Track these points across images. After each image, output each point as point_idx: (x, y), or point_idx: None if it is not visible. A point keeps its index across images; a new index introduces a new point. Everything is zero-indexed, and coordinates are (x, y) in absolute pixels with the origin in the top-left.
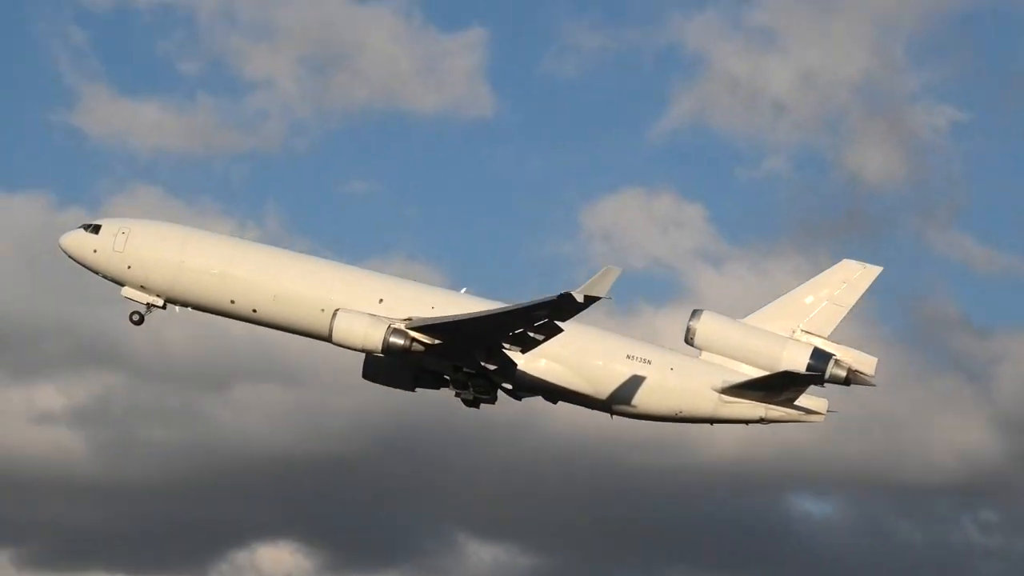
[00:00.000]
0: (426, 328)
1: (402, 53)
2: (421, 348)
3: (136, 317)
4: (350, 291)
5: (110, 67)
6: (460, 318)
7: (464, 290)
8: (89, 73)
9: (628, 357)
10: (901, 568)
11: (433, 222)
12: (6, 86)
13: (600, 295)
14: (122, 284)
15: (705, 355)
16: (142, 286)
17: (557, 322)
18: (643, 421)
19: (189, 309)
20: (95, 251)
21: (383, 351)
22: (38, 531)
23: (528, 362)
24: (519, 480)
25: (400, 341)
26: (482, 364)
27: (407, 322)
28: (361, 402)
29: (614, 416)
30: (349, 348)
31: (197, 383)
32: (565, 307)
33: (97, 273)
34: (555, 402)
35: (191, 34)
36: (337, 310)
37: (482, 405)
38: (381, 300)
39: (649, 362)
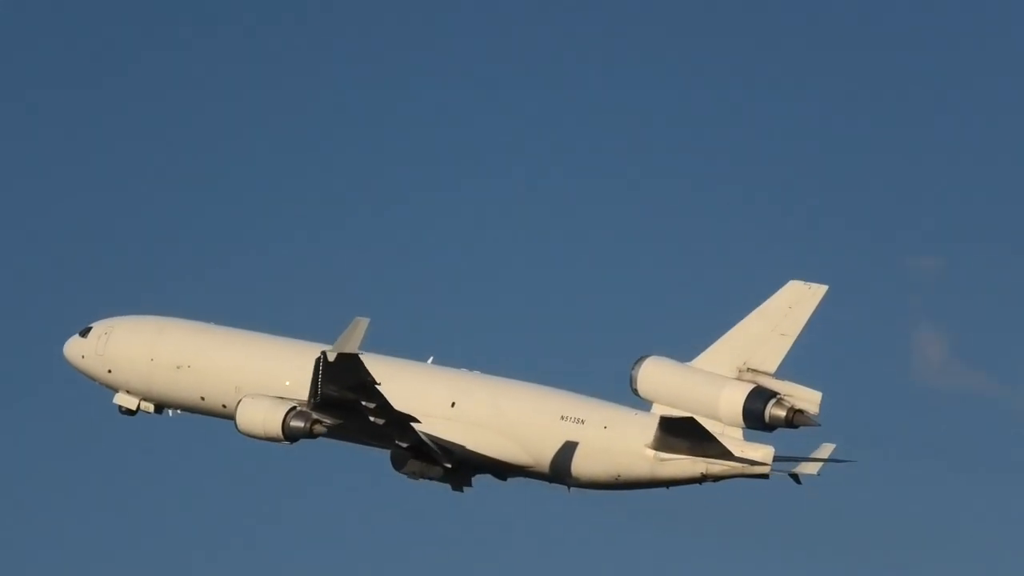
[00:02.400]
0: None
1: None
2: (323, 429)
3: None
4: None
5: None
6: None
7: (431, 359)
8: None
9: (562, 418)
10: None
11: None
12: None
13: (352, 351)
14: (113, 390)
15: (656, 407)
16: (127, 390)
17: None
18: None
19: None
20: (83, 356)
21: (286, 437)
22: None
23: (463, 434)
24: None
25: (301, 424)
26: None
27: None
28: None
29: (571, 489)
30: (256, 438)
31: None
32: (336, 371)
33: (92, 380)
34: (503, 479)
35: None
36: (243, 397)
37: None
38: None
39: (582, 422)
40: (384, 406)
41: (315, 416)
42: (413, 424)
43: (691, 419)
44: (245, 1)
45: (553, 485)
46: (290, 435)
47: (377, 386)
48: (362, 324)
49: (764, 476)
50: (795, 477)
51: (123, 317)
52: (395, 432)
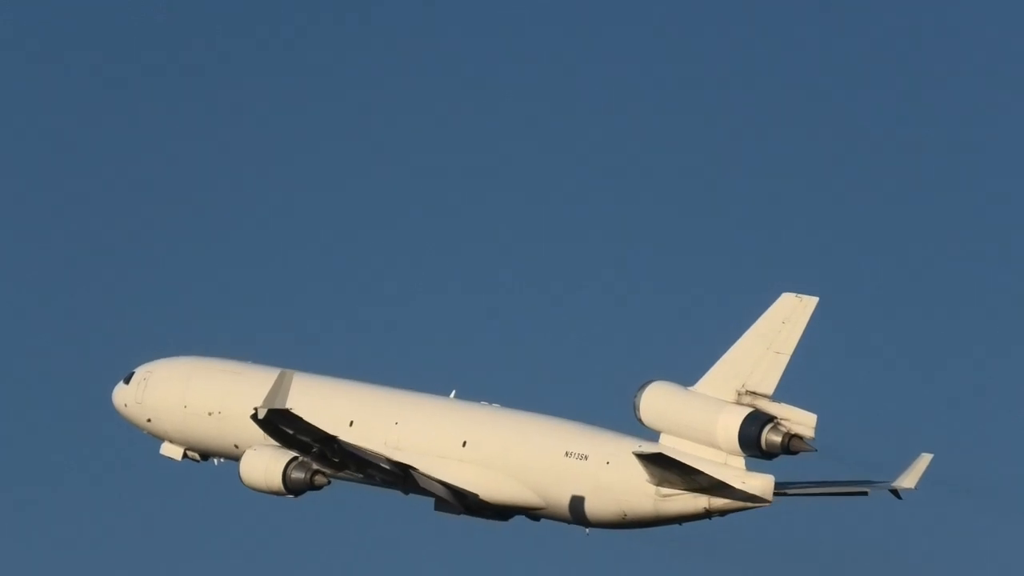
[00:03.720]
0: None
1: None
2: (325, 480)
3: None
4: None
5: None
6: None
7: (453, 393)
8: None
9: (567, 455)
10: None
11: None
12: None
13: (280, 406)
14: (158, 439)
15: (664, 437)
16: (169, 439)
17: None
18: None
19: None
20: (126, 405)
21: (289, 490)
22: None
23: (475, 481)
24: None
25: (301, 475)
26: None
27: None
28: None
29: (589, 530)
30: (261, 492)
31: None
32: (271, 427)
33: (139, 429)
34: (536, 519)
35: None
36: (248, 448)
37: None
38: (352, 423)
39: (586, 457)
40: (344, 452)
41: (315, 467)
42: (413, 470)
43: (659, 454)
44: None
45: (572, 526)
46: (292, 488)
47: (329, 435)
48: (288, 377)
49: (766, 502)
50: (895, 492)
51: (164, 360)
52: (398, 478)
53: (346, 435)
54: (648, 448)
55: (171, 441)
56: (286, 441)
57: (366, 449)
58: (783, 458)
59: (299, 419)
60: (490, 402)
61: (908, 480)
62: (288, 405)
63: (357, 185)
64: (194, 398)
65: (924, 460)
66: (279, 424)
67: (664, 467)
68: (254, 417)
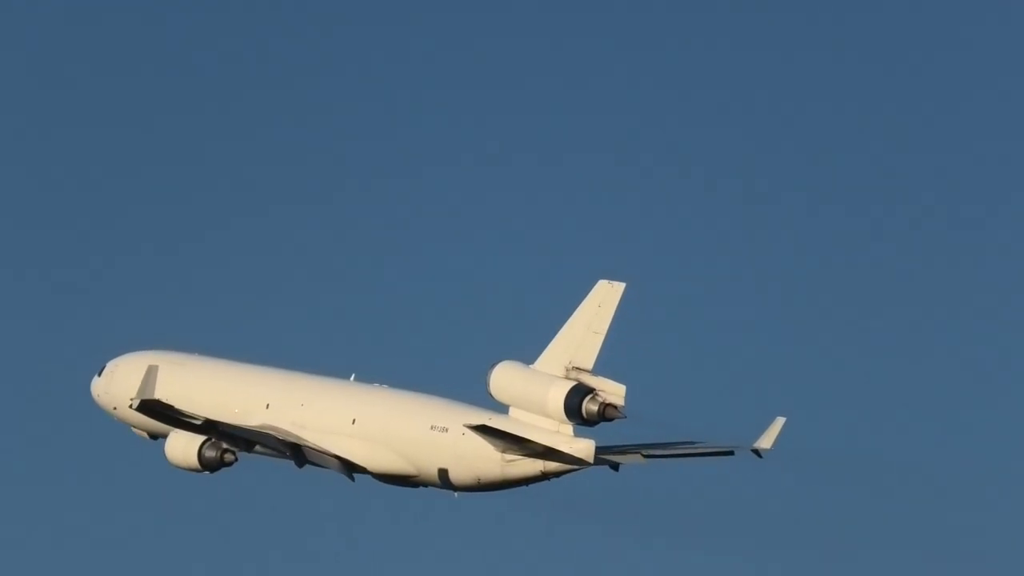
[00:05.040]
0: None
1: None
2: (234, 457)
3: None
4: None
5: None
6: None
7: (352, 376)
8: None
9: (432, 428)
10: None
11: None
12: None
13: (150, 396)
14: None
15: (512, 410)
16: (130, 424)
17: None
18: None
19: None
20: (98, 395)
21: (204, 467)
22: None
23: (361, 454)
24: None
25: (212, 453)
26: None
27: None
28: None
29: (457, 494)
30: (182, 469)
31: None
32: (149, 414)
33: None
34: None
35: None
36: (171, 432)
37: None
38: (268, 405)
39: (446, 430)
40: (225, 433)
41: (225, 446)
42: (302, 444)
43: (484, 425)
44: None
45: (442, 491)
46: (207, 464)
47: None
48: (154, 370)
49: (615, 467)
50: (756, 452)
51: (129, 354)
52: (288, 451)
53: (263, 416)
54: (476, 421)
55: (132, 426)
56: (181, 426)
57: (250, 429)
58: (605, 425)
59: (170, 407)
60: (380, 383)
61: (765, 441)
62: (215, 391)
63: None
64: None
65: (778, 423)
66: (156, 411)
67: (492, 436)
68: (132, 407)
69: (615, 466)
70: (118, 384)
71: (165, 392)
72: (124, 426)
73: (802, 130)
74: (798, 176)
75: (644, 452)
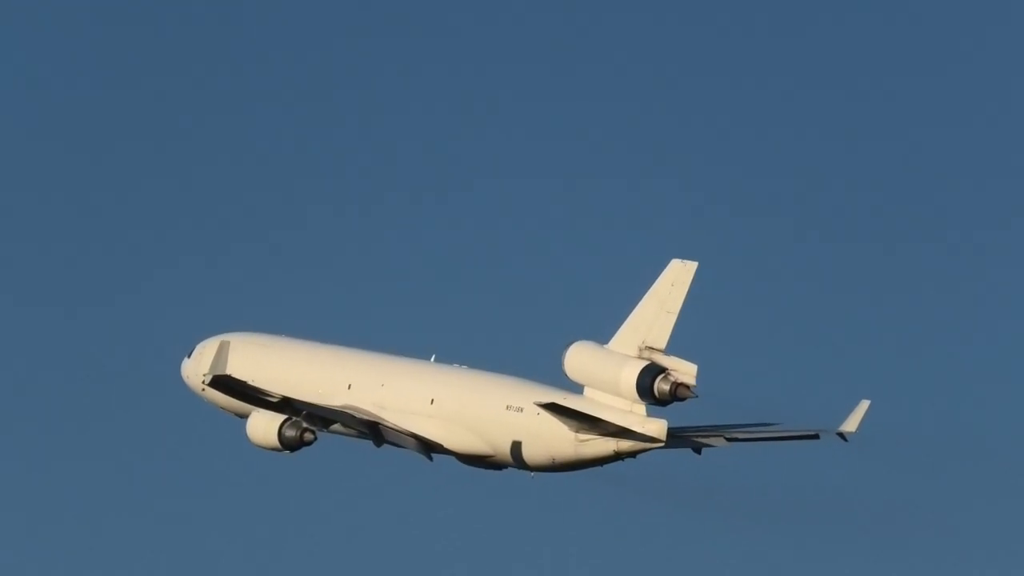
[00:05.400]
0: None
1: None
2: (312, 436)
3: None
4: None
5: None
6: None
7: (433, 357)
8: None
9: (507, 408)
10: None
11: None
12: None
13: (221, 372)
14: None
15: (587, 390)
16: (220, 407)
17: None
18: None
19: None
20: (187, 377)
21: (284, 446)
22: None
23: (439, 433)
24: None
25: (292, 432)
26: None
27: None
28: None
29: (533, 474)
30: (263, 448)
31: None
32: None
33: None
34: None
35: None
36: (253, 411)
37: None
38: (350, 386)
39: (521, 409)
40: (301, 409)
41: (304, 425)
42: (379, 423)
43: (553, 403)
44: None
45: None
46: (287, 444)
47: (271, 398)
48: (226, 346)
49: (697, 450)
50: (842, 436)
51: (218, 336)
52: (367, 430)
53: (345, 397)
54: (547, 398)
55: (221, 407)
56: (256, 403)
57: (324, 406)
58: (678, 405)
59: (243, 383)
60: (460, 364)
61: (850, 424)
62: (300, 372)
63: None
64: (232, 369)
65: (863, 406)
66: (229, 387)
67: (561, 414)
68: (204, 383)
69: (698, 449)
70: (203, 367)
71: (251, 373)
72: (213, 407)
73: (875, 105)
74: (882, 154)
75: (727, 435)
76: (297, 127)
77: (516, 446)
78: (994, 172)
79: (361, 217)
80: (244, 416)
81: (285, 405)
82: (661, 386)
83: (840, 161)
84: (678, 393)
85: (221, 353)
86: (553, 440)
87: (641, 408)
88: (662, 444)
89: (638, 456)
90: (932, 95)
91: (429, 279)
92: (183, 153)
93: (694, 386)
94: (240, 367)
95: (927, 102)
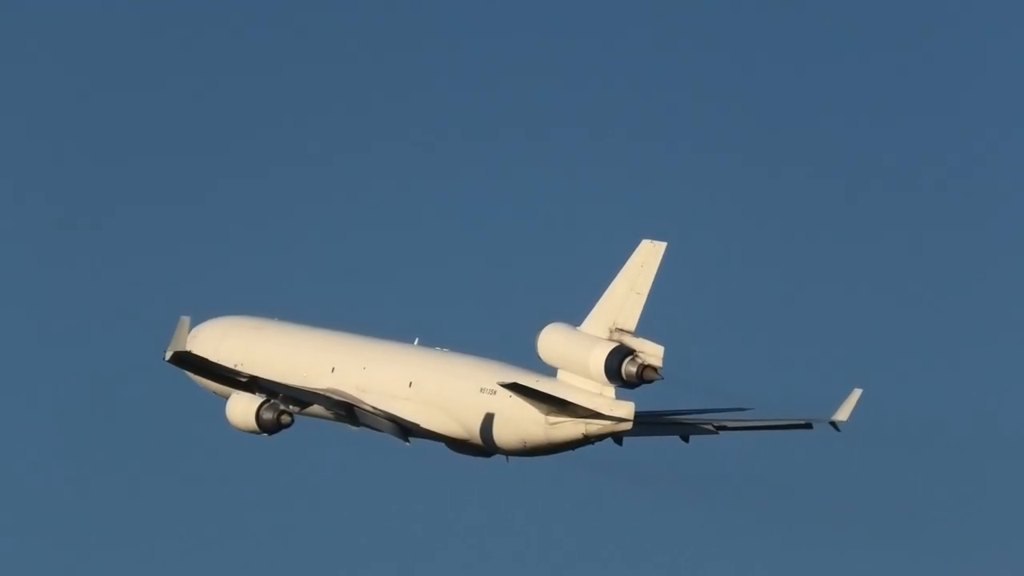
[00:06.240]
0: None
1: None
2: (289, 419)
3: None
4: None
5: None
6: None
7: (416, 341)
8: None
9: (481, 390)
10: None
11: None
12: None
13: (180, 349)
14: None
15: (560, 372)
16: (211, 390)
17: None
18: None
19: None
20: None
21: (263, 429)
22: None
23: (416, 415)
24: None
25: (269, 415)
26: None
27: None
28: None
29: (509, 458)
30: (241, 430)
31: None
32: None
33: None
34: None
35: None
36: (232, 393)
37: None
38: (333, 369)
39: (494, 392)
40: (268, 389)
41: (282, 407)
42: (354, 405)
43: (515, 384)
44: None
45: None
46: (264, 426)
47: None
48: (184, 323)
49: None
50: (834, 425)
51: (210, 321)
52: (344, 413)
53: (329, 380)
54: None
55: (214, 392)
56: (221, 380)
57: (292, 386)
58: (649, 389)
59: (205, 360)
60: (442, 348)
61: (842, 414)
62: (286, 355)
63: None
64: (224, 354)
65: (855, 395)
66: (190, 365)
67: (522, 395)
68: (165, 359)
69: (686, 437)
70: (198, 349)
71: (239, 356)
72: (205, 390)
73: (848, 84)
74: (858, 135)
75: (716, 423)
76: (283, 109)
77: (487, 428)
78: (983, 156)
79: (348, 204)
80: None
81: (253, 384)
82: (628, 368)
83: (818, 139)
84: (645, 375)
85: (180, 330)
86: (523, 423)
87: (610, 391)
88: (629, 426)
89: (622, 443)
90: (922, 76)
91: (417, 264)
92: (172, 136)
93: (661, 368)
94: (235, 350)
95: (919, 83)
